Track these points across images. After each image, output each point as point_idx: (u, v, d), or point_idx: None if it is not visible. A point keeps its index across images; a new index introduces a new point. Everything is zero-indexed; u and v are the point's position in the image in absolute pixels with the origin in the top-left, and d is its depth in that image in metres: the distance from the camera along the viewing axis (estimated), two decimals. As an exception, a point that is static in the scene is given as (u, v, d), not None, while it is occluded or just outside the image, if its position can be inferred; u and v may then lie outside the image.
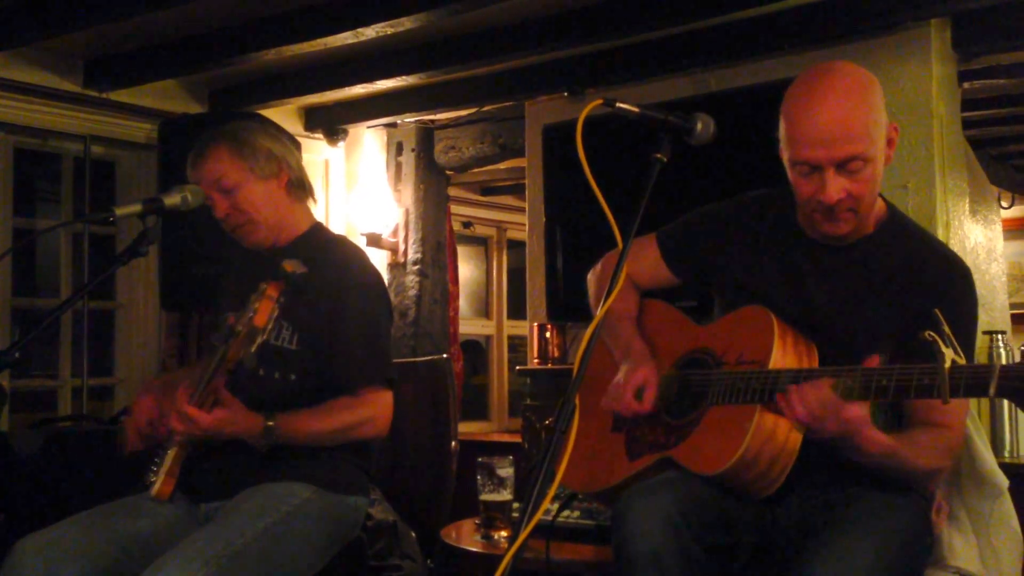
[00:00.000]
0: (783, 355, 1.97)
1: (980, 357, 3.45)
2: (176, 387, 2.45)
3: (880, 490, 1.96)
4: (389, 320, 2.50)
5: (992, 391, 1.62)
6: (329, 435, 2.31)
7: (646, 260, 2.32)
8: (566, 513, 2.57)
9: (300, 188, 2.49)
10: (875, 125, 1.93)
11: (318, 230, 2.54)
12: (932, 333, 1.68)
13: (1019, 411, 3.71)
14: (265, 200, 2.41)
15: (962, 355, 1.69)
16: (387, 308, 2.50)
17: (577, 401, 1.55)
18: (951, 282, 2.02)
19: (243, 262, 2.54)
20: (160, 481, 2.26)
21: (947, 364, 1.66)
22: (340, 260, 2.43)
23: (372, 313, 2.41)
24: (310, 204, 2.55)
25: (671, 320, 2.31)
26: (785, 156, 1.99)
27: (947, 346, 1.67)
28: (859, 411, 1.82)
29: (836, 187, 1.91)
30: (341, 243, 2.55)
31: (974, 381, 1.65)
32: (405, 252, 5.23)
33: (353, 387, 2.34)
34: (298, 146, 2.62)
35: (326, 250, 2.45)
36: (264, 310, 2.08)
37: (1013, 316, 4.77)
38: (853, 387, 1.82)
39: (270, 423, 2.21)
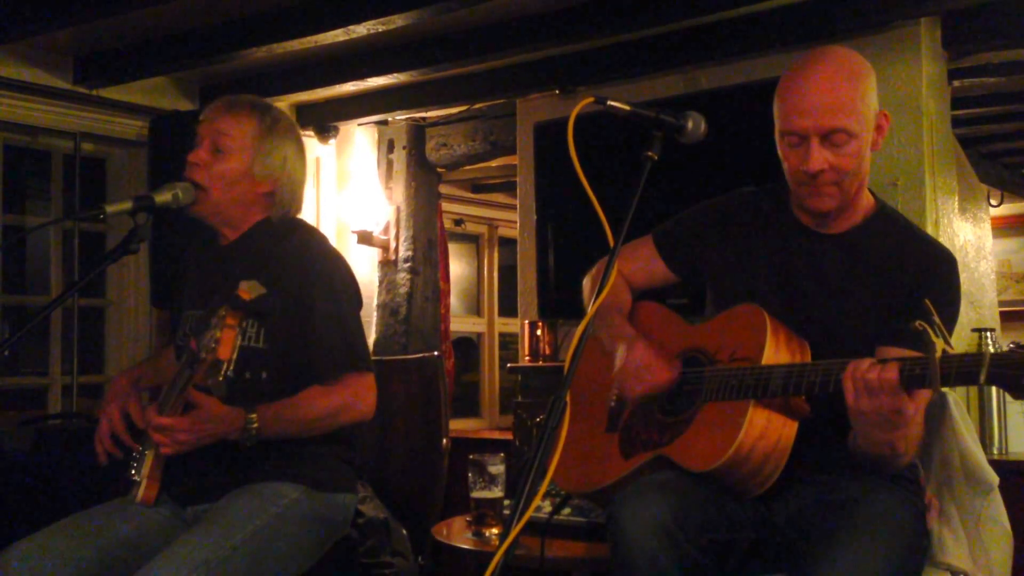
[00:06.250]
0: (776, 352, 1.98)
1: (970, 354, 3.46)
2: (141, 386, 2.44)
3: (879, 488, 1.96)
4: (358, 303, 2.41)
5: (982, 379, 1.63)
6: (314, 422, 2.25)
7: (641, 258, 2.32)
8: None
9: (271, 202, 2.38)
10: (862, 104, 1.99)
11: (267, 222, 2.40)
12: (923, 323, 1.69)
13: (1008, 409, 3.73)
14: (234, 184, 2.33)
15: (951, 344, 1.70)
16: (354, 291, 2.40)
17: (568, 399, 1.55)
18: (935, 267, 2.04)
19: (198, 259, 2.50)
20: (143, 487, 2.22)
21: (938, 354, 1.67)
22: (298, 248, 2.34)
23: (339, 300, 2.33)
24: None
25: (664, 320, 2.31)
26: (776, 132, 2.05)
27: (937, 336, 1.68)
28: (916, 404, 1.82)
29: (819, 157, 1.97)
30: (296, 229, 2.41)
31: (965, 369, 1.66)
32: (396, 250, 5.22)
33: (332, 375, 2.27)
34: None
35: (281, 239, 2.36)
36: (227, 341, 2.01)
37: (1002, 313, 4.79)
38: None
39: (251, 415, 2.15)
